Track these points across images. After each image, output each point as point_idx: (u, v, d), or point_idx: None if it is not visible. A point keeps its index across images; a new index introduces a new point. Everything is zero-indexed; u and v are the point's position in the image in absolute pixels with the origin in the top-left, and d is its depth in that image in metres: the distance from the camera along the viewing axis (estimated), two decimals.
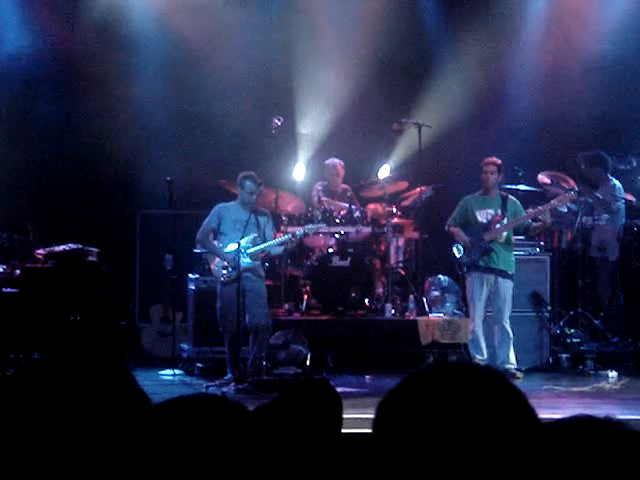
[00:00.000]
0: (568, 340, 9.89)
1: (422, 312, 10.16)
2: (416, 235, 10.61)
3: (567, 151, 10.92)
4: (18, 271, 9.49)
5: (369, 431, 1.54)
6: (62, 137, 11.21)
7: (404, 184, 10.79)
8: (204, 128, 11.26)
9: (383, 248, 10.58)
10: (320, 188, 10.80)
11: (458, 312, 10.21)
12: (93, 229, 10.48)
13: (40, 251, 9.73)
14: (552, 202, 9.34)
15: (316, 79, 11.42)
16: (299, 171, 11.26)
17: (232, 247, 8.68)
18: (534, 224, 9.34)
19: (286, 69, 11.41)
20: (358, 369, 9.58)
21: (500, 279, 9.17)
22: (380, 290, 10.43)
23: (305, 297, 10.24)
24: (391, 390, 1.53)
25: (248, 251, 8.74)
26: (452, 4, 11.70)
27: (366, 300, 10.23)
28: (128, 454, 1.60)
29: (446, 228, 9.49)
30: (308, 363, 9.33)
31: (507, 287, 9.19)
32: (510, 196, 9.46)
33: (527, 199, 10.04)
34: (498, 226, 9.22)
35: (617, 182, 10.38)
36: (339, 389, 2.80)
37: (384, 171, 10.99)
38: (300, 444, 2.57)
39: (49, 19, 11.14)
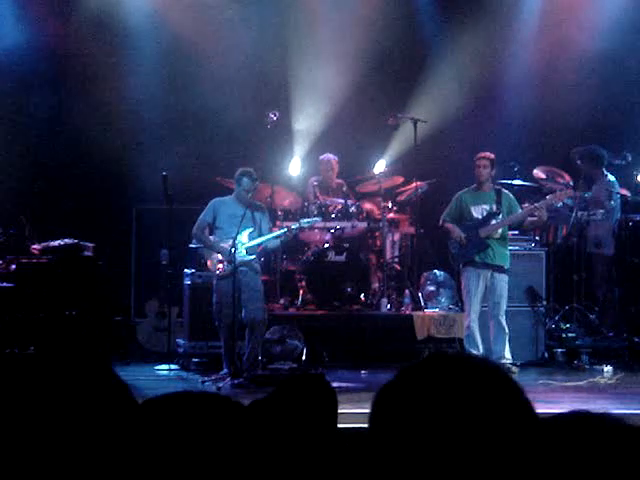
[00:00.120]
0: (563, 335, 9.91)
1: (418, 307, 10.17)
2: (412, 230, 10.62)
3: (562, 146, 10.93)
4: (13, 266, 9.48)
5: (365, 426, 1.54)
6: (57, 132, 11.18)
7: (400, 179, 10.79)
8: (199, 123, 11.24)
9: (379, 243, 10.58)
10: (316, 184, 10.79)
11: (453, 307, 10.22)
12: (89, 224, 10.46)
13: (36, 246, 9.72)
14: (548, 198, 9.34)
15: (312, 74, 11.40)
16: (295, 166, 11.26)
17: (228, 242, 8.68)
18: (529, 218, 9.35)
19: (282, 64, 11.39)
20: (354, 364, 9.58)
21: (496, 274, 9.17)
22: (376, 285, 10.44)
23: (301, 292, 10.25)
24: (388, 382, 1.52)
25: (244, 246, 8.74)
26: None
27: (362, 295, 10.24)
28: (109, 448, 1.60)
29: (440, 223, 9.48)
30: (304, 358, 9.34)
31: (503, 282, 9.19)
32: (504, 190, 9.46)
33: (522, 194, 10.05)
34: (494, 222, 9.22)
35: (612, 177, 10.39)
36: (335, 384, 2.80)
37: (380, 166, 10.99)
38: (295, 439, 2.57)
39: (44, 14, 11.11)
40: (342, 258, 10.24)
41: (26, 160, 10.95)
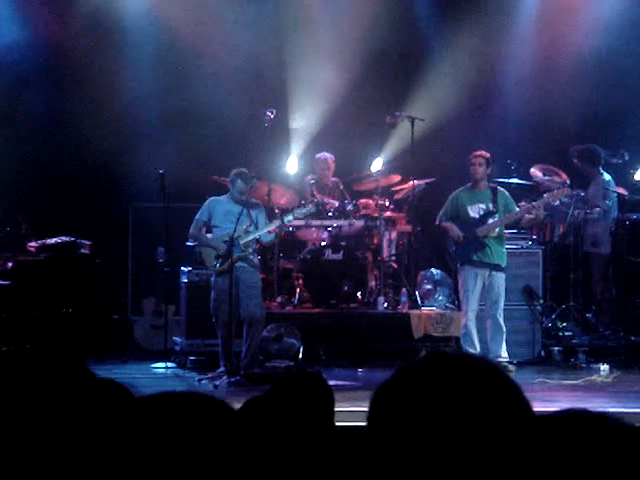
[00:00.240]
0: (560, 333, 9.92)
1: (414, 305, 10.16)
2: (409, 228, 10.62)
3: (560, 145, 10.94)
4: (10, 263, 9.48)
5: (362, 424, 1.53)
6: (53, 129, 11.17)
7: (397, 177, 10.79)
8: (196, 121, 11.23)
9: (376, 241, 10.58)
10: (312, 182, 10.78)
11: (450, 305, 10.22)
12: (85, 222, 10.45)
13: (32, 244, 9.72)
14: (545, 197, 9.35)
15: (309, 72, 11.39)
16: (292, 164, 11.26)
17: (225, 238, 8.66)
18: (527, 216, 9.35)
19: (278, 62, 11.39)
20: (350, 362, 9.58)
21: (494, 273, 9.18)
22: (373, 283, 10.44)
23: (298, 290, 10.25)
24: (386, 380, 1.52)
25: (241, 241, 8.71)
26: None
27: (359, 293, 10.24)
28: (86, 446, 1.59)
29: (437, 222, 9.48)
30: (300, 356, 9.33)
31: (501, 280, 9.20)
32: (500, 188, 9.46)
33: (520, 193, 10.05)
34: (491, 221, 9.23)
35: (608, 176, 10.40)
36: (331, 382, 2.80)
37: (377, 164, 10.99)
38: (292, 437, 2.57)
39: (41, 11, 11.10)
40: (339, 256, 10.24)
41: (22, 158, 10.93)
